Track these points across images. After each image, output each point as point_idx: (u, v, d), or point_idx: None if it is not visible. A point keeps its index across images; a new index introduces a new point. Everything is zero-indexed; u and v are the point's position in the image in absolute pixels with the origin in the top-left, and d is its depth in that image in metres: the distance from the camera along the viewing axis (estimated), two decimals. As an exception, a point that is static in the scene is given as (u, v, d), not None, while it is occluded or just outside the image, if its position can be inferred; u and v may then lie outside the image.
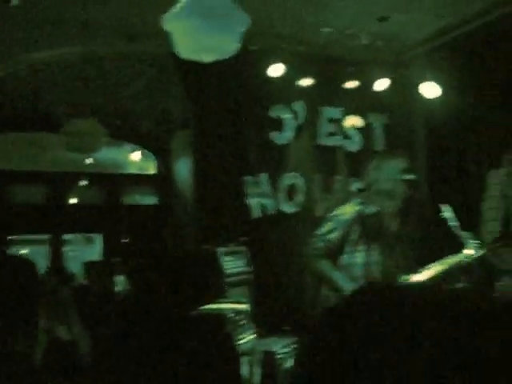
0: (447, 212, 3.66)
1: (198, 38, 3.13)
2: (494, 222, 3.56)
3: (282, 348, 4.95)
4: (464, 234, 3.64)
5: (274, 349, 4.86)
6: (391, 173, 3.80)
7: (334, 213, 4.15)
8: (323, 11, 5.34)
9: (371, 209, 3.88)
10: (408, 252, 3.86)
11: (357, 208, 3.94)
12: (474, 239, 3.63)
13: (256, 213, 5.74)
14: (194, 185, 5.84)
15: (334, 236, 3.93)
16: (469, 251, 3.58)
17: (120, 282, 5.75)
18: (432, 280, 3.56)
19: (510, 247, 3.58)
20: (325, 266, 3.95)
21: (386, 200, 3.80)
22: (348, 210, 4.01)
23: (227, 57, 3.50)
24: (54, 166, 8.74)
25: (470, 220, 6.19)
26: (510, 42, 5.56)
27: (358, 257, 3.88)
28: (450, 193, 6.59)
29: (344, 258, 3.93)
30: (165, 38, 3.52)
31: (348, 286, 3.78)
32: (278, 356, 4.86)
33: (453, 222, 3.63)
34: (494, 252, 3.60)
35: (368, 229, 3.83)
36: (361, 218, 3.86)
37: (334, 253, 3.94)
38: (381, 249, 3.80)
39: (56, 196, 9.29)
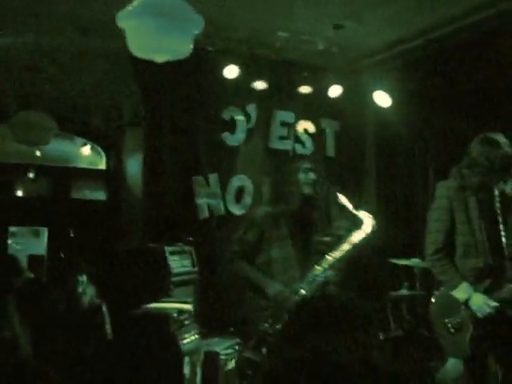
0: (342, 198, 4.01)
1: (151, 37, 3.12)
2: (437, 233, 3.63)
3: (226, 349, 4.95)
4: (361, 214, 3.94)
5: (217, 349, 4.86)
6: (290, 174, 4.05)
7: (248, 214, 4.27)
8: (280, 15, 5.36)
9: (277, 208, 4.07)
10: (316, 242, 4.10)
11: (265, 208, 4.15)
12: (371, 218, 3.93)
13: (204, 213, 5.73)
14: (143, 182, 5.80)
15: (248, 237, 4.04)
16: (366, 229, 3.88)
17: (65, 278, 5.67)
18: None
19: (448, 259, 3.66)
20: (243, 267, 4.06)
21: (288, 199, 4.03)
22: (259, 211, 4.23)
23: (180, 58, 3.48)
24: (1, 157, 8.56)
25: (416, 227, 6.33)
26: (461, 54, 5.69)
27: (274, 253, 4.01)
28: (398, 199, 6.72)
29: (261, 257, 4.03)
30: (118, 33, 3.49)
31: (269, 284, 3.93)
32: (221, 357, 4.86)
33: (348, 205, 3.98)
34: (433, 263, 3.68)
35: (278, 226, 4.01)
36: (271, 217, 4.03)
37: (252, 253, 4.05)
38: (293, 244, 4.01)
39: (3, 188, 9.10)
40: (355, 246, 3.90)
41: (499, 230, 3.59)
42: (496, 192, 3.64)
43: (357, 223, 3.97)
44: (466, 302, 3.50)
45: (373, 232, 3.88)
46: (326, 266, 3.90)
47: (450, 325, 3.56)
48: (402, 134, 6.61)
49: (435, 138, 6.67)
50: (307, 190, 4.01)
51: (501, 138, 3.60)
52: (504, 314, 3.48)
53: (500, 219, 3.59)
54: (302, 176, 4.02)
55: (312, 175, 4.03)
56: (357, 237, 3.91)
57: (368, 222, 3.91)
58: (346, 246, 3.91)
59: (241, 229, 4.19)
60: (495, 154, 3.52)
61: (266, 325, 4.03)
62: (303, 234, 4.10)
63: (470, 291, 3.49)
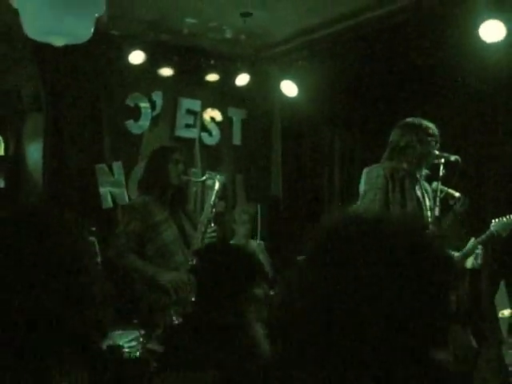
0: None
1: (47, 19, 2.96)
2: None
3: (129, 342, 4.84)
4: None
5: (120, 343, 4.74)
6: (159, 164, 4.31)
7: (127, 206, 4.86)
8: (188, 1, 5.26)
9: (153, 196, 4.28)
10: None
11: (143, 197, 4.32)
12: None
13: (107, 202, 5.58)
14: (44, 170, 5.57)
15: (132, 228, 4.12)
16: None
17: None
18: None
19: None
20: (132, 261, 4.07)
21: (161, 188, 4.28)
22: (137, 200, 4.47)
23: (80, 41, 3.33)
24: None
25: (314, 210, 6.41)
26: (370, 44, 5.77)
27: (166, 236, 4.15)
28: (304, 187, 6.78)
29: (154, 244, 4.15)
30: (16, 14, 3.32)
31: (160, 274, 4.07)
32: (124, 350, 4.75)
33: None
34: None
35: (159, 212, 4.21)
36: (150, 205, 4.21)
37: (139, 244, 4.13)
38: (177, 225, 4.26)
39: None
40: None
41: (427, 213, 3.67)
42: (422, 182, 3.72)
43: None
44: None
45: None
46: (200, 237, 4.18)
47: None
48: (308, 123, 6.66)
49: (342, 127, 6.77)
50: (175, 181, 4.24)
51: (423, 122, 3.67)
52: None
53: (428, 204, 3.68)
54: (171, 167, 4.24)
55: (181, 165, 4.29)
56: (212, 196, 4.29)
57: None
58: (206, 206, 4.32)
59: (122, 221, 4.20)
60: (418, 138, 3.59)
61: (173, 315, 4.02)
62: (180, 218, 4.33)
63: None
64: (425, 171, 3.75)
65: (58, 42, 3.30)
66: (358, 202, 3.83)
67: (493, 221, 4.35)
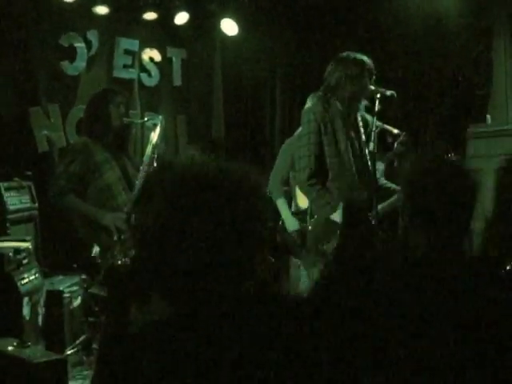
0: None
1: None
2: (309, 157, 3.61)
3: (70, 287, 4.81)
4: None
5: (61, 288, 4.70)
6: (101, 107, 4.25)
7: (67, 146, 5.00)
8: None
9: (93, 138, 4.21)
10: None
11: (84, 138, 4.27)
12: None
13: (43, 146, 5.43)
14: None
15: (72, 169, 4.05)
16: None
17: None
18: None
19: (321, 183, 3.66)
20: (73, 201, 4.07)
21: (102, 130, 4.24)
22: (78, 141, 4.49)
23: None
24: None
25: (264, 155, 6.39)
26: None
27: (108, 177, 4.11)
28: (246, 127, 6.75)
29: (96, 185, 4.09)
30: None
31: (101, 214, 4.02)
32: (66, 295, 4.72)
33: None
34: (309, 189, 3.68)
35: (99, 152, 4.16)
36: (90, 145, 4.16)
37: (79, 185, 4.07)
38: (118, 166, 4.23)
39: None
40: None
41: (364, 153, 3.66)
42: (359, 116, 3.70)
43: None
44: None
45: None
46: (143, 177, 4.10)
47: (327, 250, 3.59)
48: (249, 62, 6.57)
49: (283, 65, 6.70)
50: (117, 123, 4.20)
51: (356, 56, 3.62)
52: None
53: (363, 141, 3.67)
54: (112, 109, 4.19)
55: (122, 108, 4.26)
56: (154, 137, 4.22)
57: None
58: (148, 148, 4.22)
59: (63, 162, 4.16)
60: (350, 73, 3.55)
61: (118, 258, 4.02)
62: (122, 159, 4.29)
63: None
64: (363, 103, 3.72)
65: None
66: (301, 127, 3.82)
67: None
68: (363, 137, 3.71)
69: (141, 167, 4.26)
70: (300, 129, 3.85)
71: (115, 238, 4.04)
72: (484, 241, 1.97)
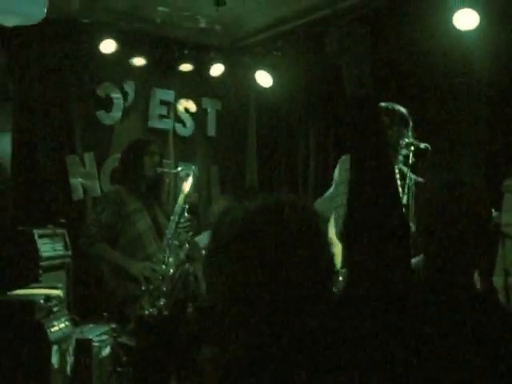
0: None
1: (0, -1, 2.85)
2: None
3: (99, 335, 4.77)
4: None
5: (90, 336, 4.67)
6: (136, 156, 4.42)
7: (100, 195, 5.07)
8: (161, -10, 5.19)
9: (127, 186, 4.36)
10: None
11: (116, 187, 4.43)
12: None
13: (78, 194, 5.49)
14: (12, 161, 5.46)
15: (104, 217, 4.15)
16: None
17: None
18: None
19: None
20: (104, 250, 4.10)
21: (136, 179, 4.40)
22: (111, 189, 4.61)
23: (32, 22, 3.22)
24: None
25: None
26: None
27: (140, 226, 4.20)
28: (279, 178, 6.74)
29: (128, 234, 4.19)
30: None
31: (131, 264, 4.09)
32: (95, 344, 4.68)
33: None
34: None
35: (132, 202, 4.28)
36: (123, 194, 4.28)
37: (111, 233, 4.16)
38: (149, 215, 4.35)
39: None
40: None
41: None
42: (396, 168, 3.67)
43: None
44: None
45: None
46: (173, 227, 4.18)
47: None
48: (283, 114, 6.61)
49: (317, 118, 6.72)
50: (150, 172, 4.33)
51: (395, 107, 3.60)
52: None
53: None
54: (146, 159, 4.31)
55: (157, 157, 4.38)
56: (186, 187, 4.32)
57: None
58: (180, 197, 4.31)
59: (95, 210, 4.22)
60: (390, 123, 3.53)
61: (146, 308, 4.01)
62: (154, 209, 4.40)
63: None
64: (402, 154, 3.69)
65: (9, 22, 3.18)
66: (332, 188, 3.81)
67: None
68: (399, 189, 3.68)
69: (171, 217, 4.27)
70: (330, 190, 3.84)
71: (143, 287, 4.03)
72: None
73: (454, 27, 4.69)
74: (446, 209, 1.83)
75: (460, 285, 1.78)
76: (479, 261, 1.83)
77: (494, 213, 4.32)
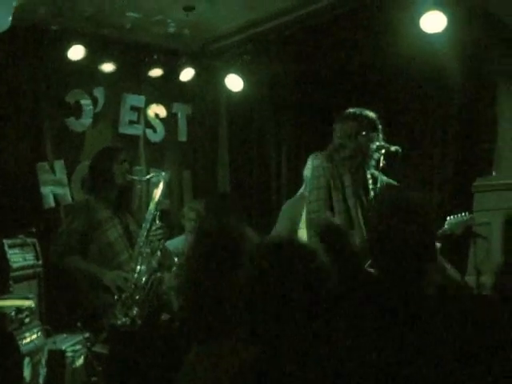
0: None
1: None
2: (319, 213, 3.60)
3: (73, 346, 4.72)
4: None
5: (63, 347, 4.62)
6: (105, 164, 4.40)
7: (69, 205, 5.07)
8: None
9: (97, 195, 4.35)
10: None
11: (86, 196, 4.43)
12: None
13: (48, 202, 5.42)
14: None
15: (75, 226, 4.13)
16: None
17: None
18: None
19: None
20: (75, 260, 4.08)
21: (105, 187, 4.37)
22: (80, 199, 4.66)
23: None
24: None
25: (270, 210, 6.35)
26: (313, 37, 5.74)
27: (110, 234, 4.19)
28: (252, 182, 6.75)
29: (98, 243, 4.17)
30: None
31: (103, 273, 4.08)
32: (68, 354, 4.62)
33: None
34: None
35: (101, 210, 4.27)
36: (92, 203, 4.27)
37: (82, 243, 4.14)
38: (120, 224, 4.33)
39: None
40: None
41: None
42: (368, 173, 3.68)
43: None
44: None
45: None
46: (144, 235, 4.14)
47: None
48: (254, 117, 6.62)
49: (287, 122, 6.74)
50: (120, 180, 4.29)
51: (363, 112, 3.61)
52: None
53: (371, 198, 3.65)
54: (116, 167, 4.29)
55: (126, 165, 4.36)
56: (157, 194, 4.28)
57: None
58: (151, 205, 4.26)
59: (65, 220, 4.21)
60: (358, 130, 3.54)
61: (119, 318, 3.99)
62: (125, 217, 4.38)
63: None
64: (374, 159, 3.71)
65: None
66: (303, 187, 3.80)
67: (447, 218, 4.31)
68: (371, 193, 3.69)
69: (143, 224, 4.25)
70: (301, 189, 3.83)
71: (116, 297, 4.01)
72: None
73: (421, 30, 4.72)
74: (393, 224, 1.98)
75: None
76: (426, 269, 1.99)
77: (466, 216, 4.39)
